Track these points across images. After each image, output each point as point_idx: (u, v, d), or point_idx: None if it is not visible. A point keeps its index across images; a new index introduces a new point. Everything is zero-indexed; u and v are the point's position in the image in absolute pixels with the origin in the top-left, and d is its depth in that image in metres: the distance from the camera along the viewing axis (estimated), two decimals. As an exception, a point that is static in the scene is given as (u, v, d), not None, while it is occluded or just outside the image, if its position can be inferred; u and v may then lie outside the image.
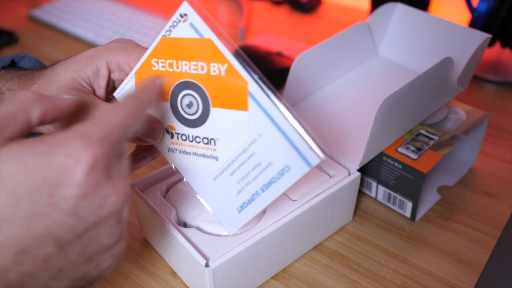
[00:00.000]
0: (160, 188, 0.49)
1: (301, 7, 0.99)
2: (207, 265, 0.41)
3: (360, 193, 0.57)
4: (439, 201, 0.57)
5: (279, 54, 0.77)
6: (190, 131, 0.41)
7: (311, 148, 0.35)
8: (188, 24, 0.37)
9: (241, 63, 0.36)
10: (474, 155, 0.61)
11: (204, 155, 0.41)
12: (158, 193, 0.48)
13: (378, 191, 0.55)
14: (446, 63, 0.51)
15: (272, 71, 0.70)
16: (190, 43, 0.37)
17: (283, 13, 1.00)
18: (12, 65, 0.46)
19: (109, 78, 0.41)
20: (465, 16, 0.76)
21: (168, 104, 0.41)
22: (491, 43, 0.73)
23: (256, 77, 0.36)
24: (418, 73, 0.49)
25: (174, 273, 0.49)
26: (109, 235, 0.29)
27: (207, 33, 0.36)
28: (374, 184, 0.55)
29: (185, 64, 0.38)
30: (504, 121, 0.69)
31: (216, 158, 0.40)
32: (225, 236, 0.44)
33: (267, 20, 0.98)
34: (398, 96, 0.48)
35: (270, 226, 0.44)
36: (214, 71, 0.37)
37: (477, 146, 0.60)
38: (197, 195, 0.44)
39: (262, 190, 0.39)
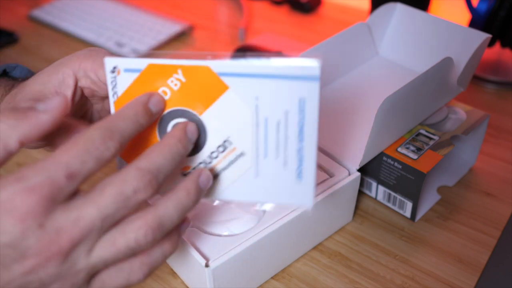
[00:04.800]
0: (160, 188, 0.49)
1: (301, 7, 0.99)
2: (207, 265, 0.41)
3: (360, 193, 0.57)
4: (439, 201, 0.57)
5: (279, 54, 0.77)
6: (203, 154, 0.36)
7: (301, 66, 0.33)
8: (123, 72, 0.35)
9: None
10: (474, 155, 0.61)
11: (231, 163, 0.36)
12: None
13: (378, 191, 0.55)
14: (446, 63, 0.51)
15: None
16: (141, 82, 0.35)
17: (283, 13, 1.00)
18: (4, 74, 0.46)
19: (75, 87, 0.40)
20: (465, 16, 0.76)
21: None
22: (491, 43, 0.73)
23: (209, 57, 0.34)
24: (418, 73, 0.49)
25: (174, 273, 0.49)
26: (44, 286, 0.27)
27: (142, 63, 0.34)
28: (374, 184, 0.55)
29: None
30: (504, 121, 0.69)
31: (242, 154, 0.35)
32: (225, 236, 0.44)
33: (267, 20, 0.98)
34: (398, 96, 0.48)
35: (270, 226, 0.44)
36: (176, 84, 0.35)
37: (477, 146, 0.60)
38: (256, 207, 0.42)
39: (301, 140, 0.34)
